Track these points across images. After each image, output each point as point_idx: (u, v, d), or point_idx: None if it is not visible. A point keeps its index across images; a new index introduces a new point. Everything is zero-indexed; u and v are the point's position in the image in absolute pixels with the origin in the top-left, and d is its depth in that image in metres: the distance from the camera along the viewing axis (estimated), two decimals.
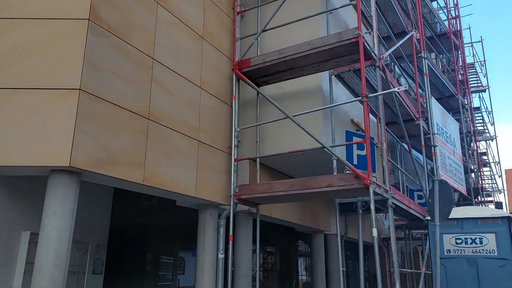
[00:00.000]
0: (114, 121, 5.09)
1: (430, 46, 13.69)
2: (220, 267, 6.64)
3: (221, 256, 6.68)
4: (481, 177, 16.07)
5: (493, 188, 19.02)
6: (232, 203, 6.65)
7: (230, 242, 6.49)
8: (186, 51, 6.55)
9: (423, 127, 9.90)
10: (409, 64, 11.06)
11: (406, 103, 8.72)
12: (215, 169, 6.90)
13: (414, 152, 12.15)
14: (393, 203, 6.28)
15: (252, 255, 7.90)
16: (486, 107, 18.06)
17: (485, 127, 18.15)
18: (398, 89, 5.71)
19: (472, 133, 15.45)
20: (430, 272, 7.81)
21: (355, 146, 6.97)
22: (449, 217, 6.63)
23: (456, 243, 7.05)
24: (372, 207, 5.50)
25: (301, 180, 6.21)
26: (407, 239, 11.37)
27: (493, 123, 17.84)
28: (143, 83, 5.61)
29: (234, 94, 7.12)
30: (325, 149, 7.24)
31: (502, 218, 6.74)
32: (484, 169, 18.50)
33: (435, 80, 13.18)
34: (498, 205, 7.26)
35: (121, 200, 8.98)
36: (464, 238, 7.00)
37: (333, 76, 7.58)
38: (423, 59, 10.90)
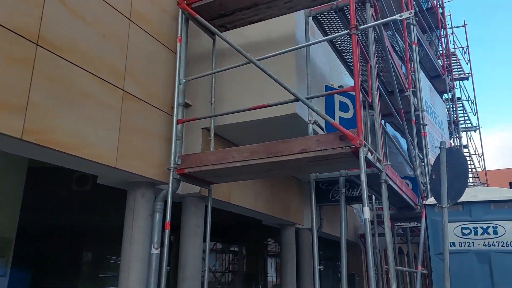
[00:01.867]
0: None
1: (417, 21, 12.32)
2: (153, 265, 4.85)
3: (155, 251, 4.89)
4: None
5: (474, 184, 17.94)
6: (171, 178, 4.87)
7: (167, 232, 4.70)
8: None
9: (413, 103, 8.42)
10: (396, 32, 9.58)
11: (396, 66, 7.19)
12: (151, 133, 5.11)
13: (395, 134, 10.70)
14: (387, 179, 4.67)
15: (212, 252, 6.15)
16: (468, 96, 16.99)
17: (467, 118, 17.07)
18: (401, 16, 4.12)
19: (457, 120, 14.24)
20: (426, 271, 6.26)
21: (337, 107, 5.34)
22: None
23: (463, 234, 5.51)
24: (364, 177, 3.85)
25: (266, 145, 4.51)
26: (391, 235, 9.82)
27: (476, 112, 16.81)
28: None
29: (179, 35, 5.34)
30: (298, 113, 5.64)
31: None
32: None
33: (420, 57, 11.81)
34: None
35: (41, 181, 7.04)
36: (473, 228, 5.46)
37: (310, 23, 5.93)
38: (412, 25, 9.46)
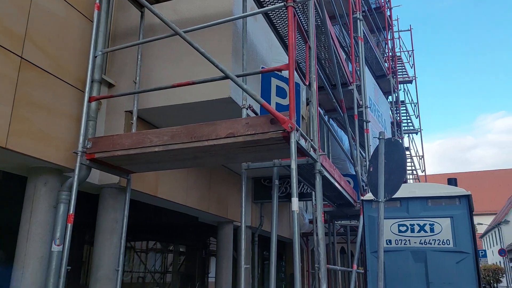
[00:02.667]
0: None
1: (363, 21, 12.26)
2: (54, 264, 4.14)
3: (57, 248, 4.18)
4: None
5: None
6: (78, 164, 4.18)
7: (69, 226, 4.02)
8: None
9: (356, 98, 8.22)
10: (342, 27, 9.37)
11: (340, 57, 6.91)
12: (58, 111, 4.40)
13: (340, 134, 10.53)
14: (322, 170, 4.28)
15: (121, 249, 5.47)
16: (412, 99, 17.40)
17: (409, 121, 17.48)
18: None
19: (400, 120, 14.46)
20: (362, 271, 5.99)
21: (273, 92, 4.91)
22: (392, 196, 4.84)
23: (400, 231, 5.28)
24: (294, 165, 3.42)
25: (189, 127, 3.96)
26: (331, 233, 9.60)
27: (418, 115, 17.25)
28: None
29: (97, 1, 4.66)
30: (233, 98, 5.15)
31: (460, 197, 5.10)
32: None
33: (366, 55, 11.76)
34: (451, 182, 5.73)
35: None
36: (410, 225, 5.24)
37: (250, 2, 5.46)
38: (358, 20, 9.30)
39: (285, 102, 4.90)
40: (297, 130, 3.60)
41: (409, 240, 5.21)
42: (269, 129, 3.67)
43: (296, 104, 4.57)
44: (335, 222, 9.47)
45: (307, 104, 7.08)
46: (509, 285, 37.26)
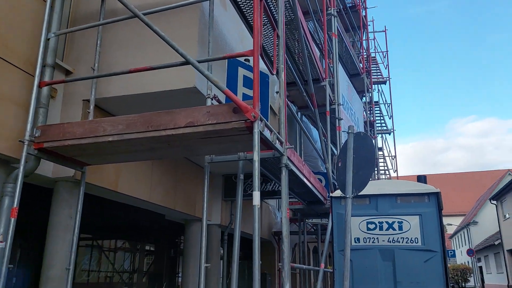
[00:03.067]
0: None
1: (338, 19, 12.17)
2: None
3: (0, 244, 3.83)
4: (376, 171, 15.27)
5: None
6: (24, 154, 3.84)
7: (12, 220, 3.68)
8: None
9: (329, 94, 8.08)
10: (317, 23, 9.23)
11: (312, 51, 6.74)
12: (3, 97, 4.04)
13: (315, 135, 10.41)
14: (288, 164, 4.08)
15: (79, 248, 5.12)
16: (385, 100, 17.53)
17: (383, 121, 17.59)
18: None
19: (373, 120, 14.50)
20: (331, 270, 5.83)
21: (240, 82, 4.68)
22: (360, 193, 4.68)
23: (368, 228, 5.13)
24: (256, 157, 3.20)
25: (146, 116, 3.69)
26: (302, 232, 9.45)
27: (392, 116, 17.38)
28: None
29: None
30: (198, 88, 4.89)
31: (429, 194, 5.00)
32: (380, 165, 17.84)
33: (340, 54, 11.68)
34: (421, 179, 5.64)
35: None
36: (379, 222, 5.10)
37: None
38: (333, 17, 9.18)
39: (251, 93, 4.67)
40: (261, 120, 3.39)
41: (377, 238, 5.07)
42: (231, 119, 3.44)
43: (263, 94, 4.37)
44: (306, 220, 9.32)
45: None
46: (476, 284, 38.30)
